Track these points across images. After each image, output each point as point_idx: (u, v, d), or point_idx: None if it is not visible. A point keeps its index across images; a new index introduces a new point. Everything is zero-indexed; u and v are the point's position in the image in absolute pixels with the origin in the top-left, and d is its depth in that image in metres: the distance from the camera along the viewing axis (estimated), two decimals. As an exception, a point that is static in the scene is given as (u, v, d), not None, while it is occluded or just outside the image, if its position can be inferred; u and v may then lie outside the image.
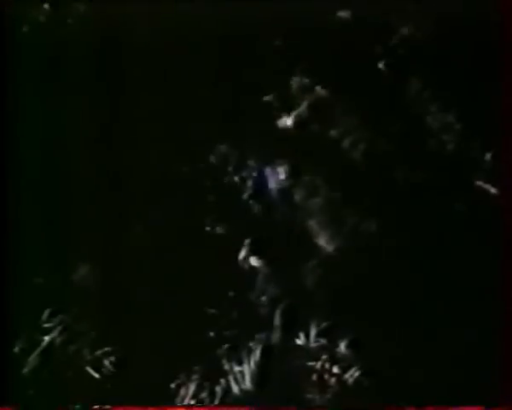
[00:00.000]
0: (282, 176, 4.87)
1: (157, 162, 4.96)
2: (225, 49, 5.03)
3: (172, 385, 4.48)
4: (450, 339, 4.51)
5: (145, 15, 5.06)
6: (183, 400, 4.45)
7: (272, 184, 4.89)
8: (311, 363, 4.53)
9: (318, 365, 4.54)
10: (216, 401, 4.43)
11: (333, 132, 4.89)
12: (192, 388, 4.46)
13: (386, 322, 4.60)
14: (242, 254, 4.74)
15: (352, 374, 4.49)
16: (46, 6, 5.16)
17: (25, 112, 4.99)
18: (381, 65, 4.95)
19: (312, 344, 4.55)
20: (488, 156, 4.87)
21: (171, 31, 5.09)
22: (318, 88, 4.94)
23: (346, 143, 4.89)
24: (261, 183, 4.91)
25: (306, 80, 4.88)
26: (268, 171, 4.90)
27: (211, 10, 5.00)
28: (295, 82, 4.94)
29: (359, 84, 4.94)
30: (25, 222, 4.83)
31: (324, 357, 4.54)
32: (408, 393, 4.44)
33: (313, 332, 4.57)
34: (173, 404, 4.45)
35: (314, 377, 4.51)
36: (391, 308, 4.63)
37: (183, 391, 4.47)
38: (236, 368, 4.50)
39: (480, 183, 4.85)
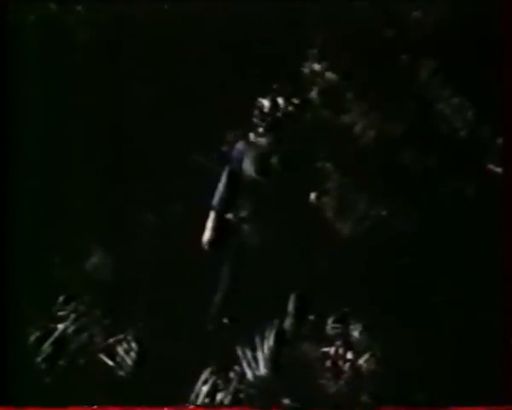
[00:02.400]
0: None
1: (170, 150, 4.94)
2: (237, 34, 5.00)
3: (187, 371, 4.49)
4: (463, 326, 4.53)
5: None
6: (199, 388, 4.46)
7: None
8: (325, 349, 4.54)
9: (332, 350, 4.54)
10: (231, 387, 4.44)
11: (344, 118, 4.88)
12: (207, 374, 4.47)
13: (398, 308, 4.60)
14: None
15: (367, 360, 4.49)
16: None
17: (29, 100, 4.98)
18: (393, 50, 4.92)
19: (328, 331, 4.56)
20: (500, 140, 4.85)
21: (176, 26, 5.07)
22: (329, 73, 4.91)
23: (357, 129, 4.87)
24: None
25: (318, 66, 4.85)
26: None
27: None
28: (306, 68, 4.91)
29: (370, 68, 4.92)
30: (37, 211, 4.82)
31: (338, 343, 4.54)
32: (419, 380, 4.46)
33: (328, 318, 4.58)
34: (189, 392, 4.45)
35: (328, 362, 4.52)
36: (402, 294, 4.64)
37: (198, 378, 4.47)
38: (250, 354, 4.51)
39: (491, 166, 4.84)
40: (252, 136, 4.89)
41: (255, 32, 4.93)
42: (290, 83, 4.90)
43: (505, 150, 4.82)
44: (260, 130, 4.89)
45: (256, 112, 4.89)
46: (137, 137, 4.96)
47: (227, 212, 4.79)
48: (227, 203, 4.80)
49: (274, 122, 4.89)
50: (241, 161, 4.91)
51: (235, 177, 4.86)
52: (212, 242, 4.72)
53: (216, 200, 4.80)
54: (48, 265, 4.73)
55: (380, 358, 4.51)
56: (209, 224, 4.74)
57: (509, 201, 4.69)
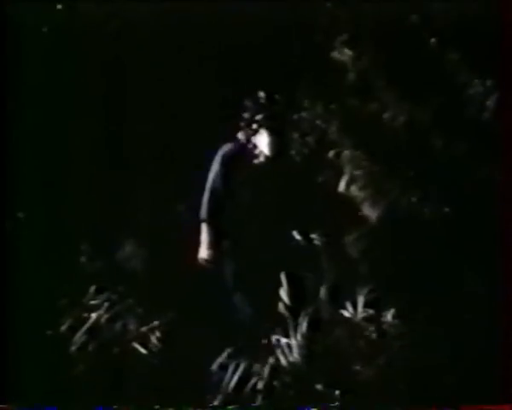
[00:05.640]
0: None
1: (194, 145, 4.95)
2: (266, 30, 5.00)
3: (220, 360, 4.49)
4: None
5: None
6: (232, 375, 4.46)
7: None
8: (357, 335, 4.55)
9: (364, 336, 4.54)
10: (265, 374, 4.44)
11: (373, 105, 4.89)
12: (241, 362, 4.48)
13: (429, 294, 4.60)
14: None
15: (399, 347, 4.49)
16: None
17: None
18: (419, 36, 4.93)
19: (359, 316, 4.56)
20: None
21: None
22: (357, 63, 4.92)
23: (386, 116, 4.88)
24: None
25: (348, 52, 4.86)
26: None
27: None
28: (335, 55, 4.92)
29: (398, 56, 4.93)
30: (70, 202, 4.85)
31: (371, 328, 4.54)
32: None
33: (360, 303, 4.58)
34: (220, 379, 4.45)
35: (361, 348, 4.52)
36: (433, 279, 4.63)
37: (231, 366, 4.48)
38: (284, 341, 4.51)
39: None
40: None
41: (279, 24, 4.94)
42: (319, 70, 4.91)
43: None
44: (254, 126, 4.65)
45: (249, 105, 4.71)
46: (162, 130, 4.99)
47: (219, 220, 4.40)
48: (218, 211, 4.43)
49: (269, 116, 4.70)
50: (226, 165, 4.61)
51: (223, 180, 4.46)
52: (209, 260, 4.54)
53: (203, 210, 4.52)
54: (80, 255, 4.76)
55: (411, 344, 4.50)
56: (203, 238, 4.44)
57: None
